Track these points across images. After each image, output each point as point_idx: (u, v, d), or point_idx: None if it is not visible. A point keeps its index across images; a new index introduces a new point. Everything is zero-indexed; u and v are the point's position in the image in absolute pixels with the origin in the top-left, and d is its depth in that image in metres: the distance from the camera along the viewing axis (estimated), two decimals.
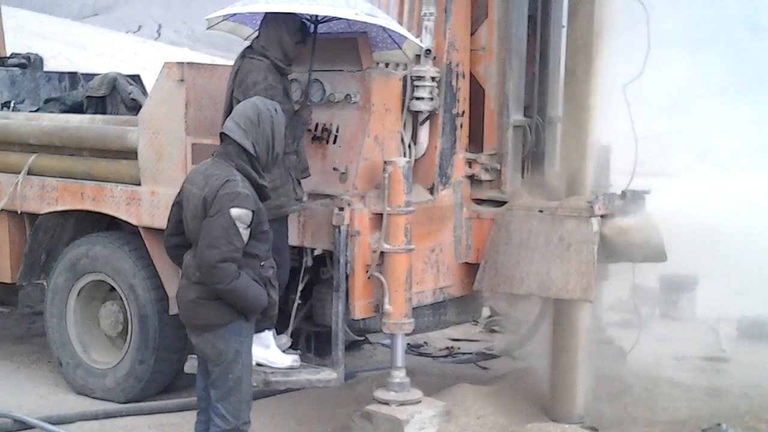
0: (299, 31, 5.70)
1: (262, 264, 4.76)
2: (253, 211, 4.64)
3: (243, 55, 5.71)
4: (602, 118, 6.21)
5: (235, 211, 4.58)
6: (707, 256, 8.71)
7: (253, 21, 5.93)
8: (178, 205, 4.86)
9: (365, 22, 5.51)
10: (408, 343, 7.70)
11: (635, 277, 6.84)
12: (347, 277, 5.64)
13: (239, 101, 5.52)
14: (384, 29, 5.74)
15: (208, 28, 5.96)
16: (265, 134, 4.79)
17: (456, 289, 6.39)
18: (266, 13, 5.64)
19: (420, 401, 5.73)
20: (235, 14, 5.76)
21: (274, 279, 4.88)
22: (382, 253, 5.64)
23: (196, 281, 4.69)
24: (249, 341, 4.81)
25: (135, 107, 7.51)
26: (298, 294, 6.00)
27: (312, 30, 5.80)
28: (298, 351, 5.95)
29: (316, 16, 5.72)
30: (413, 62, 6.13)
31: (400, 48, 5.97)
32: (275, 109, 4.89)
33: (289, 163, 5.56)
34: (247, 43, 5.90)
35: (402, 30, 5.81)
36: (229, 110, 5.67)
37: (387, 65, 6.31)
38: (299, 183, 5.69)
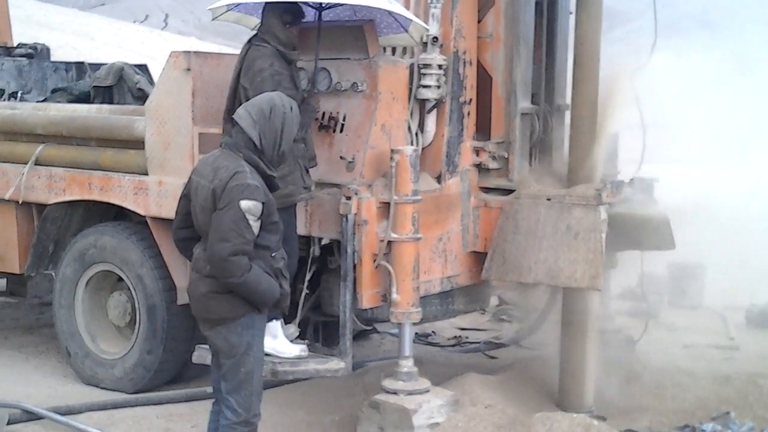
0: (287, 12, 5.64)
1: (273, 255, 4.72)
2: (263, 203, 4.59)
3: (249, 43, 5.70)
4: (610, 106, 6.19)
5: (245, 203, 4.53)
6: (716, 244, 8.67)
7: (258, 11, 5.91)
8: (186, 197, 4.81)
9: (370, 8, 5.47)
10: (416, 333, 7.70)
11: (644, 265, 6.82)
12: (355, 266, 5.62)
13: (245, 88, 5.52)
14: (390, 13, 5.71)
15: (213, 19, 5.95)
16: (274, 128, 4.72)
17: (464, 278, 6.37)
18: (266, 2, 5.62)
19: (428, 390, 5.71)
20: (239, 4, 5.74)
21: (285, 270, 4.83)
22: (389, 242, 5.63)
23: (207, 275, 4.64)
24: (261, 333, 4.78)
25: (142, 97, 7.52)
26: (306, 284, 6.00)
27: (315, 17, 5.78)
28: (306, 341, 5.95)
29: (320, 2, 5.71)
30: (419, 46, 6.11)
31: (406, 31, 5.95)
32: (291, 108, 4.80)
33: (297, 151, 5.54)
34: (255, 31, 5.88)
35: (406, 12, 5.78)
36: (232, 96, 5.66)
37: (393, 50, 6.30)
38: (307, 171, 5.68)
